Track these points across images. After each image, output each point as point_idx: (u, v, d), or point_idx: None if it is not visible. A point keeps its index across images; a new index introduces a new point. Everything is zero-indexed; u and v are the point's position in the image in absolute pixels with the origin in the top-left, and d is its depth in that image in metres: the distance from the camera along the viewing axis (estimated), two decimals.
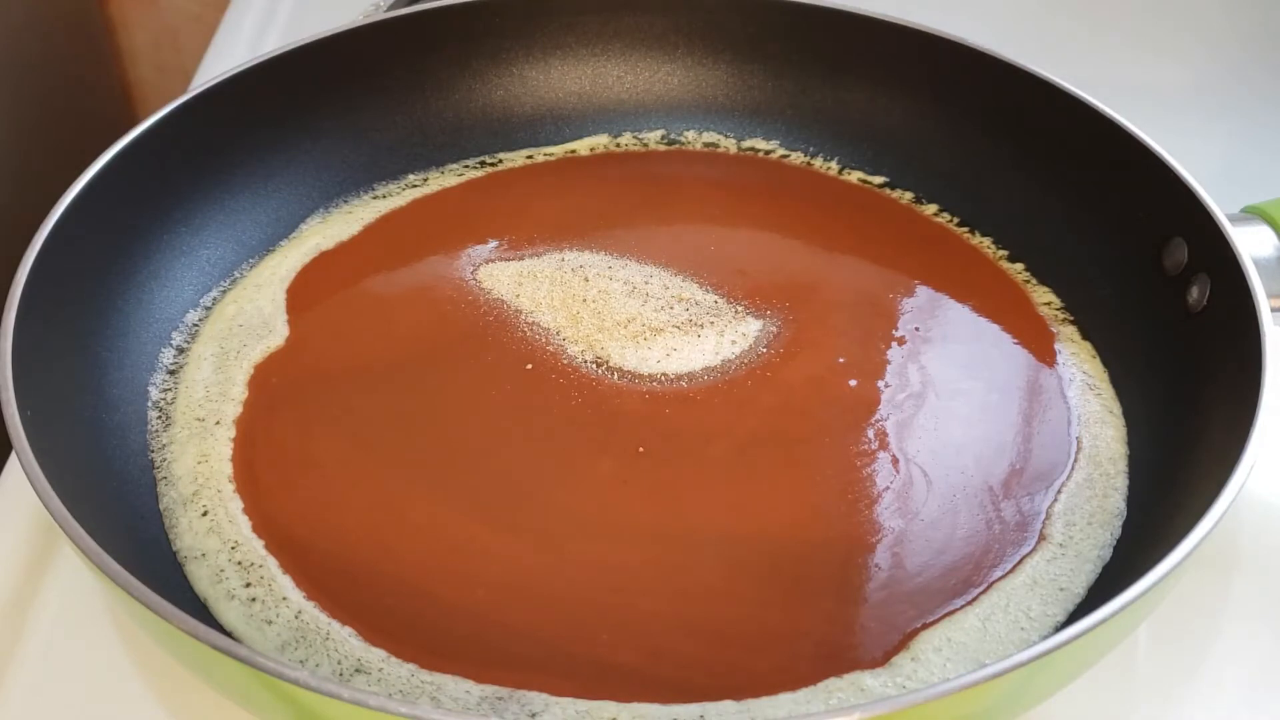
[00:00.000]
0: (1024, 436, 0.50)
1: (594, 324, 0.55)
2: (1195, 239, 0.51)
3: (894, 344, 0.54)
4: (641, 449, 0.49)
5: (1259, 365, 0.44)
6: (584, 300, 0.56)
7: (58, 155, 0.77)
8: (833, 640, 0.43)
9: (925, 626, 0.43)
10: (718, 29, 0.65)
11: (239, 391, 0.52)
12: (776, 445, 0.50)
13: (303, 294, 0.56)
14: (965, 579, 0.45)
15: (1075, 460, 0.49)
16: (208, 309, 0.56)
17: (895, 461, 0.49)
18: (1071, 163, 0.58)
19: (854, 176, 0.63)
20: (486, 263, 0.58)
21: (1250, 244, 0.49)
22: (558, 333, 0.54)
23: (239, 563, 0.45)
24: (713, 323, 0.55)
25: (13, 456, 0.49)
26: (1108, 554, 0.46)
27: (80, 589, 0.48)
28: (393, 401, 0.51)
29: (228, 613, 0.44)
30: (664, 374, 0.52)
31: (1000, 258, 0.58)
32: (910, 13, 0.62)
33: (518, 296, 0.56)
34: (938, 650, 0.43)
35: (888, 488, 0.48)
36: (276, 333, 0.54)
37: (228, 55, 0.77)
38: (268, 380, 0.52)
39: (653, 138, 0.65)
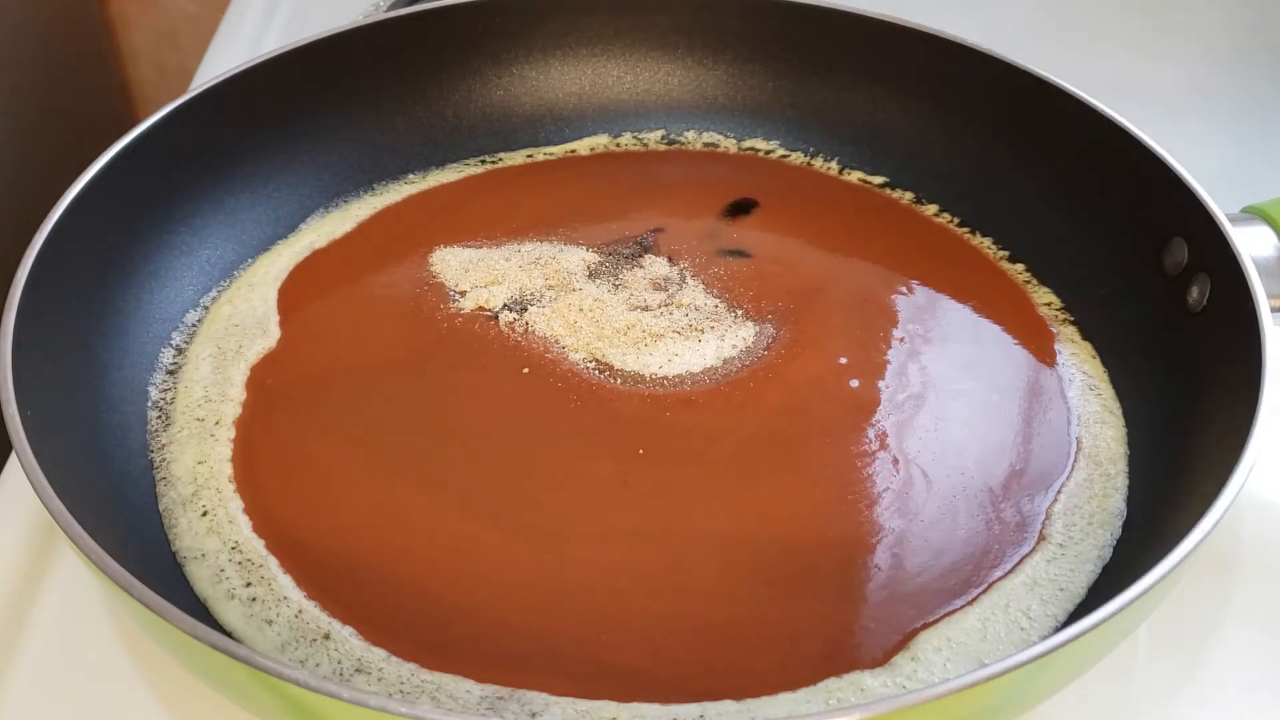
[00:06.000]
0: (1024, 437, 0.50)
1: (593, 331, 0.54)
2: (1195, 239, 0.51)
3: (894, 344, 0.54)
4: (642, 450, 0.49)
5: (1259, 365, 0.44)
6: (580, 308, 0.56)
7: (58, 155, 0.77)
8: (833, 640, 0.43)
9: (925, 626, 0.43)
10: (718, 29, 0.65)
11: (237, 392, 0.52)
12: (777, 446, 0.50)
13: (295, 293, 0.56)
14: (965, 579, 0.45)
15: (1075, 460, 0.49)
16: (207, 309, 0.56)
17: (895, 462, 0.49)
18: (1072, 163, 0.58)
19: (854, 176, 0.63)
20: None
21: (1250, 244, 0.49)
22: (556, 340, 0.54)
23: (239, 563, 0.45)
24: (713, 327, 0.55)
25: (13, 456, 0.49)
26: (1108, 554, 0.46)
27: (80, 589, 0.48)
28: (392, 401, 0.51)
29: (228, 613, 0.44)
30: (664, 376, 0.52)
31: (1001, 258, 0.58)
32: (910, 13, 0.62)
33: None
34: (938, 650, 0.43)
35: (888, 488, 0.48)
36: (270, 333, 0.54)
37: (228, 55, 0.77)
38: (265, 380, 0.52)
39: (653, 138, 0.65)
